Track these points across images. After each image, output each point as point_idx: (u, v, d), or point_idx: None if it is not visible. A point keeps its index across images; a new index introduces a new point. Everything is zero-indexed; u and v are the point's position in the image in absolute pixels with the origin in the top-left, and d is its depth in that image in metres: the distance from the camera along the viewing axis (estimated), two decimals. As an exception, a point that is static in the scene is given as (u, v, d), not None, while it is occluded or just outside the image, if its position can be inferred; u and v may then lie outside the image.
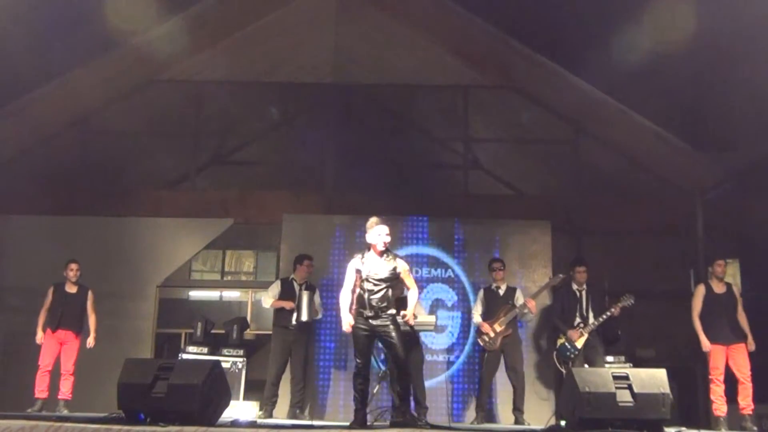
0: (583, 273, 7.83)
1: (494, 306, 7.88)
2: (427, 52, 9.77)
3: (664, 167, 9.57)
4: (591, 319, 7.64)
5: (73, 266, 7.90)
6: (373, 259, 5.85)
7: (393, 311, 5.83)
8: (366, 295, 5.75)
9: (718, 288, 7.28)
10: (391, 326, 5.76)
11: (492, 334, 7.71)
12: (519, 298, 7.92)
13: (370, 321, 5.75)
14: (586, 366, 7.28)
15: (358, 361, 5.81)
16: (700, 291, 7.35)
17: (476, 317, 7.95)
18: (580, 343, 7.59)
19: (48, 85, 9.10)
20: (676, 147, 9.07)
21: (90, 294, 7.98)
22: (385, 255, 5.88)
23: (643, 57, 7.69)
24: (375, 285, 5.77)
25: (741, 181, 8.84)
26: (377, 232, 5.84)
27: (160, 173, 10.32)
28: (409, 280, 6.03)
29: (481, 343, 7.85)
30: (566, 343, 7.65)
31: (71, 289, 7.92)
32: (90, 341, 7.84)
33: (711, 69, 7.80)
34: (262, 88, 10.22)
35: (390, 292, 5.83)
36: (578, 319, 7.71)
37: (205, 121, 10.22)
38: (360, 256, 5.93)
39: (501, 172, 10.73)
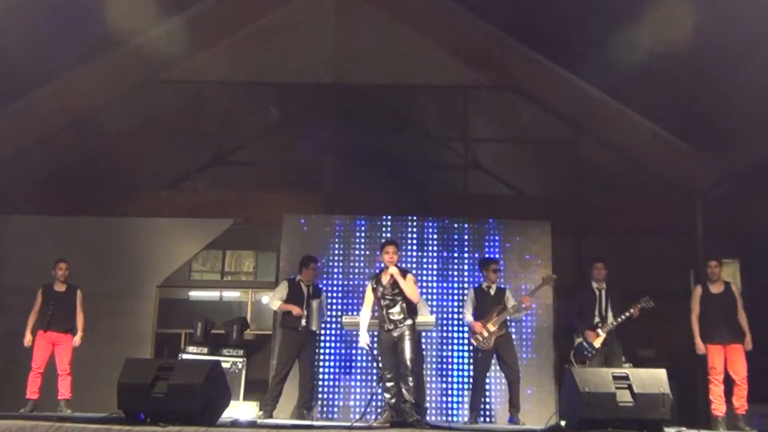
0: (601, 269, 7.72)
1: (485, 306, 7.79)
2: (427, 52, 9.76)
3: (664, 167, 9.56)
4: (610, 319, 7.54)
5: (62, 265, 7.86)
6: (385, 277, 6.46)
7: (410, 322, 6.38)
8: (384, 311, 6.40)
9: (715, 288, 7.32)
10: (408, 334, 6.29)
11: (485, 334, 7.65)
12: (509, 299, 7.84)
13: (392, 333, 6.33)
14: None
15: (386, 373, 6.27)
16: (697, 292, 7.42)
17: (467, 316, 7.87)
18: (597, 343, 7.45)
19: (48, 85, 9.09)
20: (676, 147, 9.06)
21: (79, 292, 7.92)
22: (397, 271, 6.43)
23: (643, 57, 7.67)
24: (390, 300, 6.39)
25: (741, 181, 8.84)
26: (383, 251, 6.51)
27: (160, 173, 10.31)
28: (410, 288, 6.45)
29: (475, 343, 7.79)
30: (584, 343, 7.54)
31: (60, 288, 7.87)
32: (77, 340, 7.77)
33: (711, 69, 7.78)
34: (262, 88, 10.22)
35: (405, 304, 6.38)
36: (597, 318, 7.60)
37: (205, 121, 10.22)
38: (374, 277, 6.62)
39: (501, 172, 10.74)
